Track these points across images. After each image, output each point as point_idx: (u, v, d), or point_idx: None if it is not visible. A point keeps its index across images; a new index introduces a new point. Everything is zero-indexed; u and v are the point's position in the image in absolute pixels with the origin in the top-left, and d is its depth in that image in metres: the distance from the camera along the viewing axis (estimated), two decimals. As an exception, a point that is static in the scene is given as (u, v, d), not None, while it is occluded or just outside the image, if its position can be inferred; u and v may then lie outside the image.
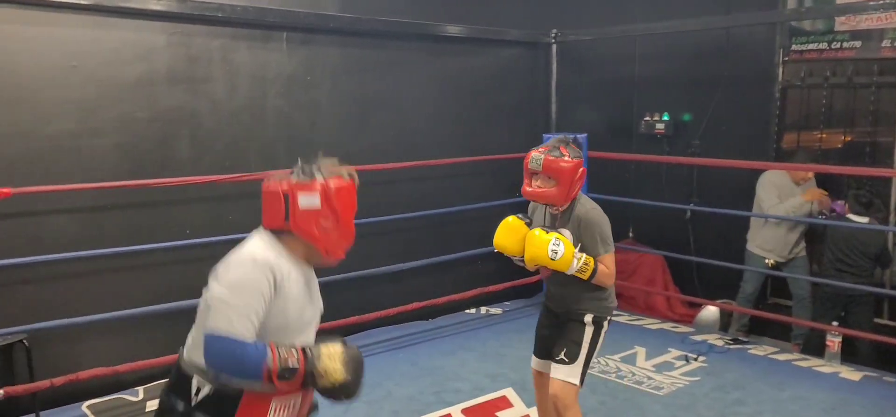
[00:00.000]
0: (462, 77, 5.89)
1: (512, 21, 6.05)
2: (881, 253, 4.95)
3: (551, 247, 2.93)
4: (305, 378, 1.98)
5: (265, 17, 4.69)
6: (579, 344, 3.12)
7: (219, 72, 4.61)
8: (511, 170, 6.15)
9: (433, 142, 5.67)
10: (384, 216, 5.33)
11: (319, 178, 2.10)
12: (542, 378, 3.38)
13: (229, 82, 4.66)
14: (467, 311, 5.92)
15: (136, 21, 4.27)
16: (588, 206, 3.12)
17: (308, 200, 2.07)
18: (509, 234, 3.13)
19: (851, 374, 4.64)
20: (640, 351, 4.99)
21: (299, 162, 2.14)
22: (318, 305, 2.26)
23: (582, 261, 2.98)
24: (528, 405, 4.11)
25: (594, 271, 3.01)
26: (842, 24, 5.44)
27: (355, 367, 2.03)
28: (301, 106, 5.01)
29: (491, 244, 6.19)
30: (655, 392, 4.34)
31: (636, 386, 4.41)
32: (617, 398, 4.25)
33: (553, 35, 6.14)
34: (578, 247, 3.01)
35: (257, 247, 2.07)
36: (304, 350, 2.00)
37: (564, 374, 3.10)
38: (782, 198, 5.29)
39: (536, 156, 3.06)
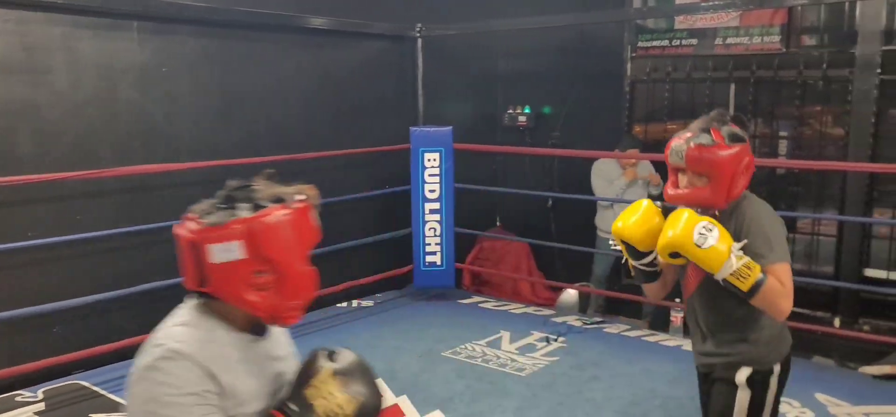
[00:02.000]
0: (329, 70, 5.85)
1: (378, 14, 6.07)
2: None
3: (700, 229, 2.10)
4: None
5: (112, 4, 4.44)
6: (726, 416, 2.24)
7: (60, 62, 4.32)
8: (380, 162, 6.21)
9: (302, 136, 5.59)
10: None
11: (243, 213, 1.46)
12: None
13: (73, 73, 4.37)
14: (339, 305, 5.89)
15: (-36, 6, 3.93)
16: (759, 204, 2.31)
17: (224, 253, 1.43)
18: (638, 219, 2.30)
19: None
20: (505, 335, 5.18)
21: (226, 185, 1.53)
22: (286, 368, 1.64)
23: (743, 263, 2.10)
24: (397, 394, 4.17)
25: (758, 282, 2.10)
26: (680, 23, 5.88)
27: (363, 383, 1.56)
28: (157, 99, 4.78)
29: (362, 235, 6.21)
30: (518, 373, 4.52)
31: (500, 369, 4.58)
32: (482, 381, 4.39)
33: (418, 29, 6.22)
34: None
35: (172, 334, 1.47)
36: (281, 408, 1.49)
37: None
38: (610, 183, 5.69)
39: (677, 145, 2.25)
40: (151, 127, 4.77)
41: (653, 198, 2.47)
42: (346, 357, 1.57)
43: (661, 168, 5.82)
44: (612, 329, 5.45)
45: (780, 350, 2.30)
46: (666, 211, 2.29)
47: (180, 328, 1.48)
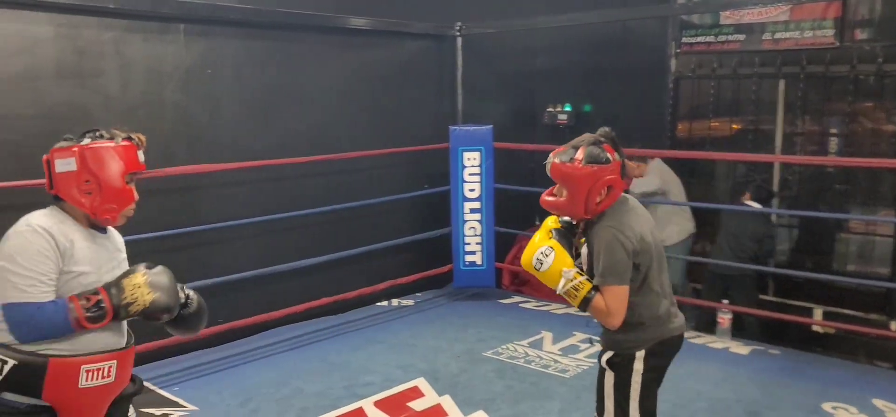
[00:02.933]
0: (368, 70, 5.87)
1: (417, 14, 6.07)
2: (765, 237, 5.30)
3: (538, 255, 2.49)
4: (116, 311, 2.08)
5: (160, 8, 4.52)
6: (602, 396, 2.60)
7: (111, 66, 4.41)
8: (419, 161, 6.21)
9: (340, 136, 5.63)
10: (291, 211, 5.26)
11: (85, 142, 2.13)
12: None
13: (123, 76, 4.47)
14: (379, 304, 5.91)
15: (19, 12, 4.03)
16: (611, 223, 2.49)
17: (64, 164, 2.11)
18: (530, 246, 2.61)
19: (740, 348, 4.94)
20: (547, 336, 5.14)
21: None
22: (121, 265, 2.27)
23: (571, 284, 2.44)
24: (440, 393, 4.17)
25: (586, 300, 2.43)
26: (727, 18, 5.77)
27: (162, 285, 2.16)
28: (201, 100, 4.86)
29: (401, 235, 6.25)
30: (561, 374, 4.48)
31: (543, 370, 4.54)
32: (524, 381, 4.36)
33: (458, 28, 6.21)
34: (586, 266, 2.53)
35: (33, 216, 2.10)
36: (105, 287, 2.08)
37: None
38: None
39: (549, 157, 2.55)
40: (195, 128, 4.85)
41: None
42: (159, 270, 2.21)
43: (688, 165, 5.74)
44: (656, 330, 5.36)
45: (642, 338, 2.55)
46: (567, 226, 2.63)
47: (40, 215, 2.11)
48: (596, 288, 2.46)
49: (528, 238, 2.71)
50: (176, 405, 4.05)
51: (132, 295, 2.10)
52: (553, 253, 2.49)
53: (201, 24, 4.78)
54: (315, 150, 5.35)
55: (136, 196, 2.23)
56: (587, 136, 2.55)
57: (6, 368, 1.98)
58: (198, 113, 4.86)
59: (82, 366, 2.05)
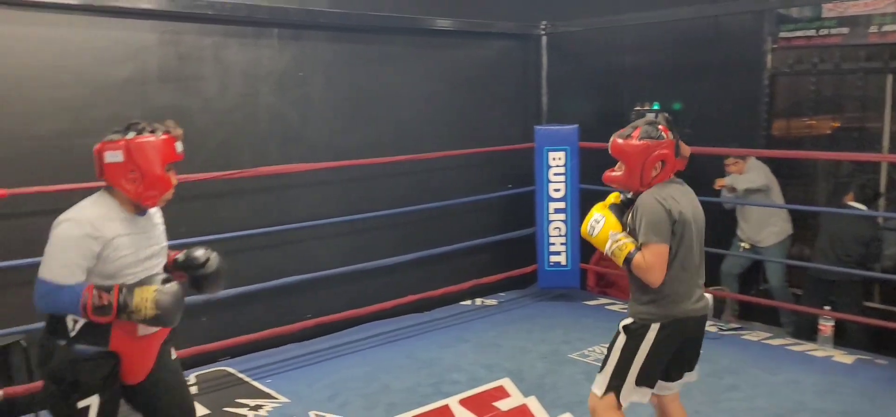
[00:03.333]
0: (453, 70, 5.91)
1: (502, 14, 6.06)
2: (871, 240, 5.01)
3: (591, 222, 2.85)
4: (119, 313, 2.34)
5: (256, 14, 4.68)
6: (609, 352, 2.86)
7: (210, 70, 4.61)
8: (504, 161, 6.20)
9: (426, 136, 5.69)
10: (378, 211, 5.35)
11: (130, 135, 2.40)
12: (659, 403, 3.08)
13: (221, 80, 4.66)
14: (463, 303, 5.94)
15: (126, 20, 4.26)
16: (655, 192, 2.77)
17: (112, 156, 2.39)
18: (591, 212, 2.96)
19: (844, 357, 4.69)
20: (635, 339, 5.02)
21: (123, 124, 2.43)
22: (158, 240, 2.60)
23: (616, 243, 2.76)
24: (526, 394, 4.14)
25: (627, 258, 2.73)
26: (829, 10, 5.49)
27: (166, 304, 2.37)
28: (293, 102, 5.01)
29: (485, 235, 6.25)
30: (650, 379, 4.37)
31: (631, 374, 4.44)
32: (612, 385, 4.28)
33: (543, 27, 6.16)
34: (629, 231, 2.81)
35: (82, 206, 2.43)
36: (120, 288, 2.35)
37: (595, 382, 2.89)
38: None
39: (612, 138, 2.86)
40: (287, 129, 5.00)
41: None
42: (166, 291, 2.39)
43: (785, 165, 5.48)
44: (751, 336, 5.16)
45: (660, 313, 2.77)
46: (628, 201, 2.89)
47: (90, 206, 2.43)
48: (638, 249, 2.74)
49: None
50: (268, 396, 4.18)
51: (137, 305, 2.35)
52: (603, 220, 2.82)
53: (294, 29, 4.93)
54: (402, 150, 5.42)
55: (175, 182, 2.52)
56: (647, 117, 2.91)
57: (78, 325, 2.40)
58: (290, 114, 5.01)
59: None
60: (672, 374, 2.93)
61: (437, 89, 5.81)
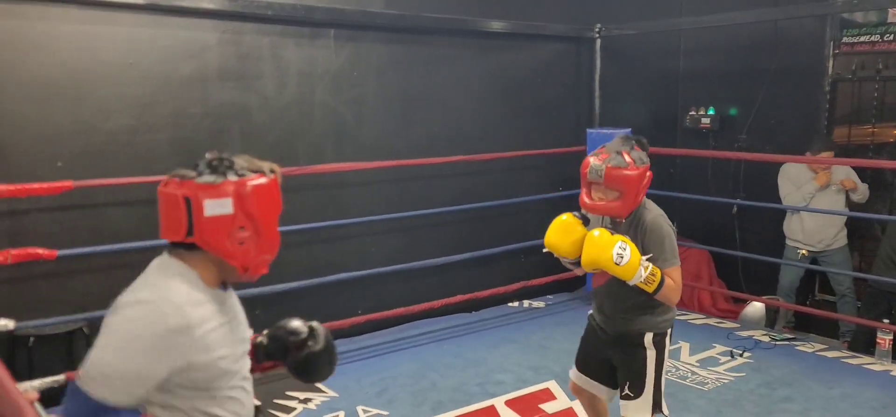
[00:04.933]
0: (506, 72, 5.92)
1: (555, 16, 6.05)
2: None
3: (617, 251, 2.60)
4: None
5: (313, 14, 4.78)
6: (643, 375, 2.81)
7: (268, 69, 4.73)
8: (555, 164, 6.19)
9: (477, 137, 5.72)
10: (429, 209, 5.41)
11: (231, 177, 1.67)
12: (583, 395, 3.16)
13: (278, 78, 4.77)
14: (510, 304, 5.95)
15: (190, 19, 4.40)
16: (655, 212, 2.80)
17: (216, 206, 1.63)
18: (563, 233, 2.79)
19: (903, 372, 4.55)
20: (685, 346, 4.97)
21: (206, 156, 1.71)
22: (244, 334, 1.84)
23: (649, 271, 2.64)
24: (572, 397, 4.13)
25: (660, 284, 2.67)
26: (895, 15, 5.32)
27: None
28: (347, 101, 5.10)
29: (534, 238, 6.23)
30: (700, 387, 4.32)
31: (680, 381, 4.39)
32: (661, 392, 4.24)
33: (597, 30, 6.12)
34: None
35: (173, 286, 1.65)
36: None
37: (634, 410, 2.82)
38: (798, 187, 5.26)
39: (596, 164, 2.73)
40: (342, 128, 5.09)
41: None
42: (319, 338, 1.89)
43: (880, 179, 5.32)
44: (806, 347, 5.04)
45: (670, 318, 2.86)
46: (584, 220, 2.82)
47: (181, 284, 1.65)
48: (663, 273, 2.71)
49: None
50: (318, 390, 4.27)
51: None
52: (629, 248, 2.64)
53: (349, 29, 5.02)
54: (453, 151, 5.47)
55: None
56: (618, 141, 2.81)
57: None
58: (345, 113, 5.10)
59: None
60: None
61: (490, 91, 5.83)
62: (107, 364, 1.55)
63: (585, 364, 3.09)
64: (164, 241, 1.73)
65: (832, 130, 5.76)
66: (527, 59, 6.07)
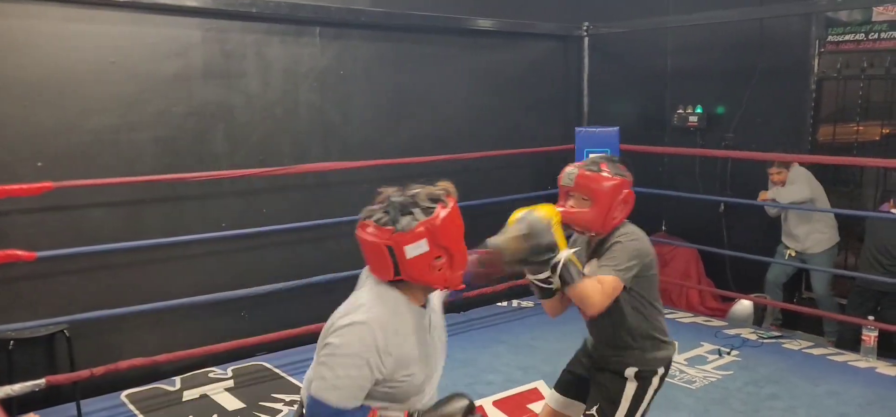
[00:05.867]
0: (494, 71, 5.90)
1: (544, 14, 6.04)
2: None
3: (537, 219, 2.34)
4: None
5: (298, 12, 4.74)
6: (616, 404, 2.57)
7: (253, 67, 4.68)
8: (543, 163, 6.17)
9: (466, 136, 5.69)
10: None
11: (419, 216, 1.87)
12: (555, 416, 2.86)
13: (263, 77, 4.72)
14: (499, 304, 5.93)
15: (173, 17, 4.35)
16: (628, 233, 2.52)
17: (415, 249, 1.86)
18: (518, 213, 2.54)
19: (888, 369, 4.57)
20: (673, 344, 4.95)
21: (391, 200, 1.91)
22: (443, 339, 2.09)
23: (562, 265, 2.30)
24: (560, 397, 4.12)
25: (568, 271, 2.31)
26: (880, 14, 5.34)
27: None
28: (334, 100, 5.06)
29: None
30: (688, 385, 4.31)
31: (668, 380, 4.37)
32: (649, 391, 4.24)
33: (585, 28, 6.12)
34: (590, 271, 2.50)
35: (369, 303, 1.88)
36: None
37: None
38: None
39: (569, 171, 2.57)
40: (328, 127, 5.04)
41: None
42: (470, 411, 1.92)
43: (831, 171, 5.33)
44: (792, 345, 5.06)
45: (664, 357, 2.61)
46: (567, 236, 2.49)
47: (379, 309, 1.86)
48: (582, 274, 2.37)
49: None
50: (305, 391, 4.23)
51: None
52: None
53: (335, 27, 4.98)
54: (441, 150, 5.44)
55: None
56: (602, 154, 2.67)
57: None
58: (331, 112, 5.06)
59: None
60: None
61: (478, 89, 5.81)
62: (331, 370, 1.81)
63: (563, 383, 2.85)
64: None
65: (817, 129, 5.78)
66: (515, 57, 6.05)
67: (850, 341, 5.07)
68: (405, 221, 1.86)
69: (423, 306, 1.99)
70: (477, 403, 4.05)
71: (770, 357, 4.76)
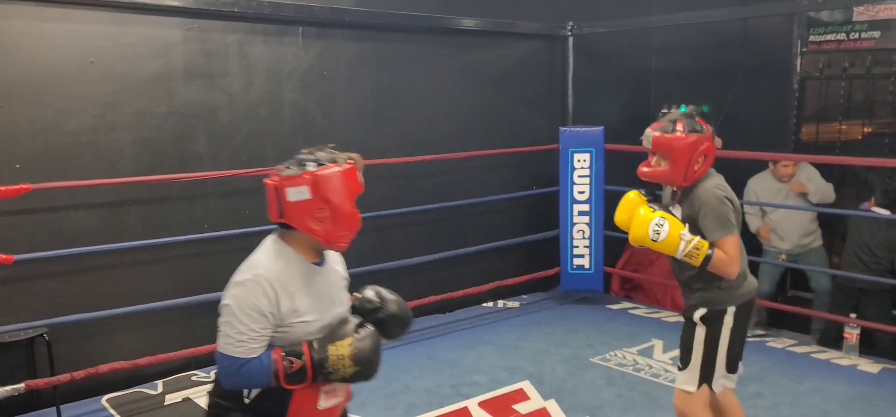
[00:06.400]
0: (479, 70, 5.88)
1: (528, 14, 6.03)
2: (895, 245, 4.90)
3: (653, 226, 2.67)
4: (315, 376, 2.04)
5: (281, 11, 4.70)
6: (690, 348, 2.81)
7: (235, 67, 4.64)
8: (528, 162, 6.17)
9: (451, 136, 5.67)
10: (401, 208, 5.35)
11: (310, 168, 2.05)
12: None
13: (246, 77, 4.68)
14: (485, 304, 5.92)
15: (153, 17, 4.30)
16: (709, 184, 2.76)
17: (296, 193, 2.04)
18: (625, 209, 2.88)
19: (870, 366, 4.60)
20: (658, 344, 4.98)
21: (299, 153, 2.11)
22: (341, 296, 2.26)
23: (692, 245, 2.65)
24: (545, 397, 4.12)
25: (708, 257, 2.65)
26: (860, 13, 5.39)
27: (366, 357, 2.08)
28: (318, 100, 5.02)
29: (508, 236, 6.23)
30: (673, 384, 4.31)
31: (653, 379, 4.40)
32: (634, 390, 4.24)
33: (569, 27, 6.12)
34: (688, 228, 2.72)
35: (259, 261, 2.07)
36: (311, 346, 2.04)
37: (680, 381, 2.88)
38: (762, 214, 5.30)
39: (647, 132, 2.81)
40: (311, 127, 5.01)
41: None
42: (363, 341, 2.09)
43: (823, 170, 5.36)
44: (776, 343, 5.08)
45: (735, 295, 2.76)
46: (653, 196, 2.88)
47: (268, 260, 2.07)
48: (713, 245, 2.67)
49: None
50: (289, 394, 4.19)
51: (334, 366, 2.05)
52: (667, 223, 2.67)
53: (318, 27, 4.94)
54: (426, 150, 5.42)
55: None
56: (676, 112, 2.81)
57: (252, 393, 2.07)
58: (314, 112, 5.02)
59: (321, 390, 2.12)
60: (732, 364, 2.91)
61: (463, 89, 5.79)
62: (230, 326, 2.00)
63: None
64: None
65: (801, 128, 5.82)
66: (500, 57, 6.04)
67: (833, 339, 5.11)
68: (295, 169, 2.06)
69: (317, 264, 2.15)
70: (462, 404, 4.06)
71: (754, 356, 4.76)
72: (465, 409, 4.03)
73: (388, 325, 2.27)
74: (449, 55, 5.69)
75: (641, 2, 6.35)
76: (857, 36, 5.47)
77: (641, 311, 5.77)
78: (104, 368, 4.03)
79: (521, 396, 4.18)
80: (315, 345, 2.04)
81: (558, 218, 5.92)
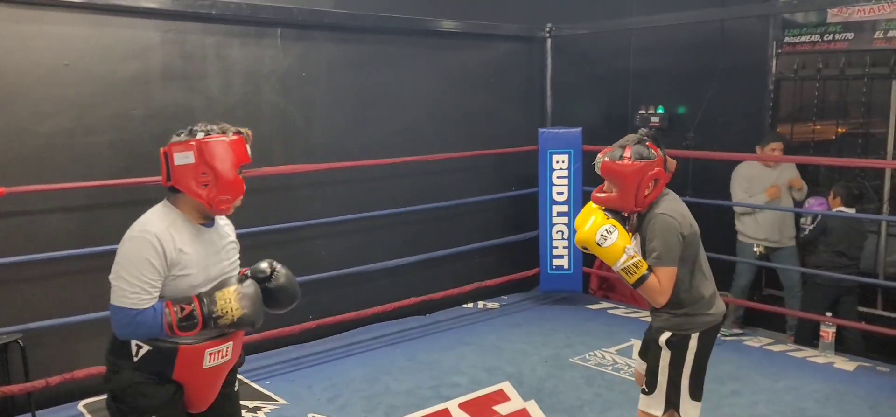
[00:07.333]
0: (458, 72, 5.89)
1: (507, 15, 6.05)
2: (862, 240, 4.99)
3: (602, 231, 2.67)
4: (206, 321, 2.22)
5: (258, 13, 4.68)
6: (656, 373, 2.81)
7: (213, 69, 4.60)
8: (507, 164, 6.19)
9: (430, 137, 5.68)
10: (381, 211, 5.35)
11: (199, 136, 2.23)
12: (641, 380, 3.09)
13: (224, 79, 4.65)
14: (465, 306, 5.93)
15: (130, 19, 4.26)
16: (664, 209, 2.73)
17: (182, 157, 2.21)
18: (584, 214, 2.83)
19: (845, 364, 4.67)
20: (636, 344, 4.98)
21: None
22: (229, 256, 2.42)
23: (632, 262, 2.65)
24: (525, 398, 4.13)
25: (642, 278, 2.66)
26: (834, 15, 5.47)
27: (251, 301, 2.29)
28: (297, 102, 5.00)
29: (488, 238, 6.24)
30: (652, 384, 4.35)
31: (631, 379, 4.42)
32: (613, 390, 4.27)
33: (548, 29, 6.15)
34: (638, 247, 2.73)
35: (147, 219, 2.24)
36: (199, 297, 2.23)
37: (645, 405, 2.86)
38: (752, 189, 5.34)
39: (598, 158, 2.80)
40: (291, 129, 4.99)
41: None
42: (248, 287, 2.31)
43: (802, 170, 5.45)
44: (753, 342, 5.14)
45: (699, 321, 2.76)
46: (620, 218, 2.79)
47: (155, 219, 2.24)
48: (650, 269, 2.68)
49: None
50: (267, 398, 4.18)
51: (222, 309, 2.23)
52: (616, 232, 2.67)
53: (297, 29, 4.92)
54: (405, 152, 5.42)
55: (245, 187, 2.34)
56: (631, 136, 2.79)
57: (142, 351, 2.23)
58: (293, 114, 5.00)
59: (206, 350, 2.28)
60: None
61: (442, 91, 5.80)
62: (122, 280, 2.17)
63: (643, 349, 3.09)
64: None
65: (776, 128, 5.89)
66: (479, 58, 6.05)
67: (808, 337, 5.18)
68: (184, 136, 2.25)
69: (205, 225, 2.32)
70: (443, 406, 4.07)
71: (731, 355, 4.83)
72: (446, 410, 4.03)
73: (276, 294, 2.43)
74: (428, 57, 5.70)
75: (619, 3, 6.39)
76: (831, 37, 5.55)
77: (620, 311, 5.81)
78: (80, 373, 3.98)
79: (501, 397, 4.19)
80: (204, 297, 2.23)
81: (537, 219, 5.94)
